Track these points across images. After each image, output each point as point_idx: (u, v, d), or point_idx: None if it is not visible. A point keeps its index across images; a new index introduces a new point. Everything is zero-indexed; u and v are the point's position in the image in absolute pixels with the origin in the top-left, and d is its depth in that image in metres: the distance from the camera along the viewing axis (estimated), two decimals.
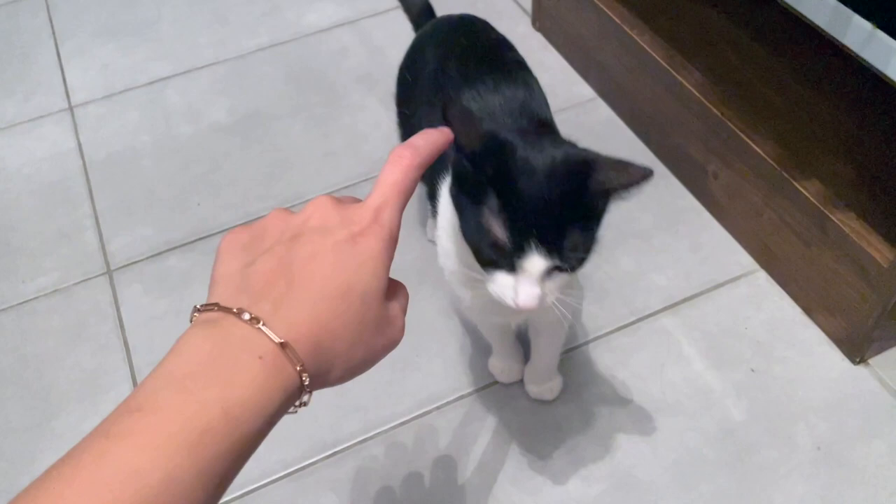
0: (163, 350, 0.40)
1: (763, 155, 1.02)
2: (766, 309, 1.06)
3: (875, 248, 0.89)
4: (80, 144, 1.39)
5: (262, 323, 0.40)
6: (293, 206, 1.26)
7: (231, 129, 1.39)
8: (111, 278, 1.17)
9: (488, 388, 1.01)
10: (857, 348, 0.98)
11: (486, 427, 0.97)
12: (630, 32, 1.21)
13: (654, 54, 1.17)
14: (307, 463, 0.96)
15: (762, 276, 1.10)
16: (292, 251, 0.43)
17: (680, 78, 1.13)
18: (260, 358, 0.39)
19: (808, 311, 1.04)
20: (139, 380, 0.52)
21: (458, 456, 0.95)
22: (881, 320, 0.92)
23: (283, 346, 0.39)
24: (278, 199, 1.26)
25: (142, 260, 1.20)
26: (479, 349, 1.04)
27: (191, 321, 0.42)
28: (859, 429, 0.94)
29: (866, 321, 0.94)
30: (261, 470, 0.95)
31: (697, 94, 1.10)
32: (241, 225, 0.47)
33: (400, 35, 1.17)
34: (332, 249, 0.43)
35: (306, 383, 0.41)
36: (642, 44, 1.19)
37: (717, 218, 1.16)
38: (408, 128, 0.98)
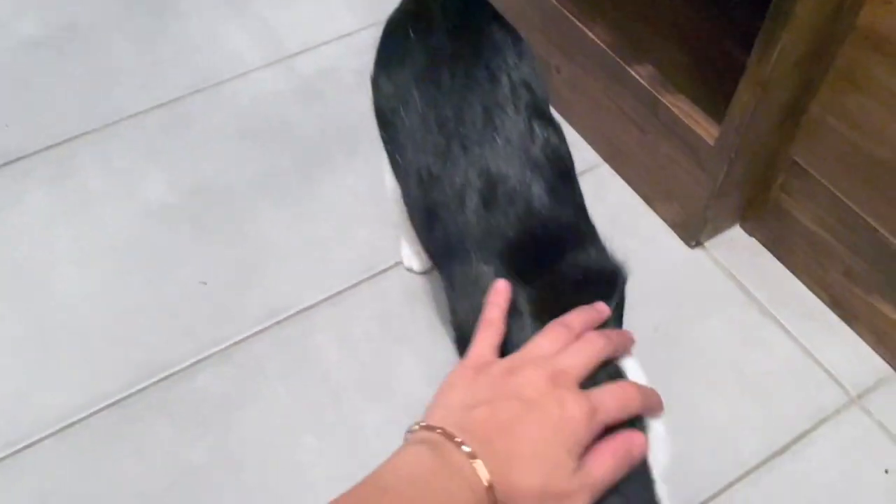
0: None
1: (600, 43, 1.00)
2: (609, 201, 1.06)
3: (702, 127, 0.89)
4: None
5: (478, 460, 0.44)
6: (117, 121, 1.15)
7: (44, 42, 1.26)
8: None
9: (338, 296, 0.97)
10: (692, 232, 0.99)
11: (329, 341, 0.94)
12: None
13: None
14: (135, 389, 0.90)
15: (605, 170, 1.10)
16: (521, 419, 0.46)
17: None
18: (471, 490, 0.43)
19: (647, 199, 1.04)
20: None
21: (298, 370, 0.91)
22: (712, 200, 0.93)
23: (489, 487, 0.43)
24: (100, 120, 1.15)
25: None
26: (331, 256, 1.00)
27: (406, 437, 0.48)
28: (696, 309, 0.95)
29: (699, 203, 0.95)
30: (83, 400, 0.88)
31: None
32: (471, 362, 0.52)
33: None
34: (553, 444, 0.46)
35: None
36: None
37: (563, 115, 1.14)
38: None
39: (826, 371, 0.89)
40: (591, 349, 0.52)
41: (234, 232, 1.04)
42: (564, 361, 0.50)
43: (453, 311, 0.66)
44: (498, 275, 0.59)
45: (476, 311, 0.61)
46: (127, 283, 0.99)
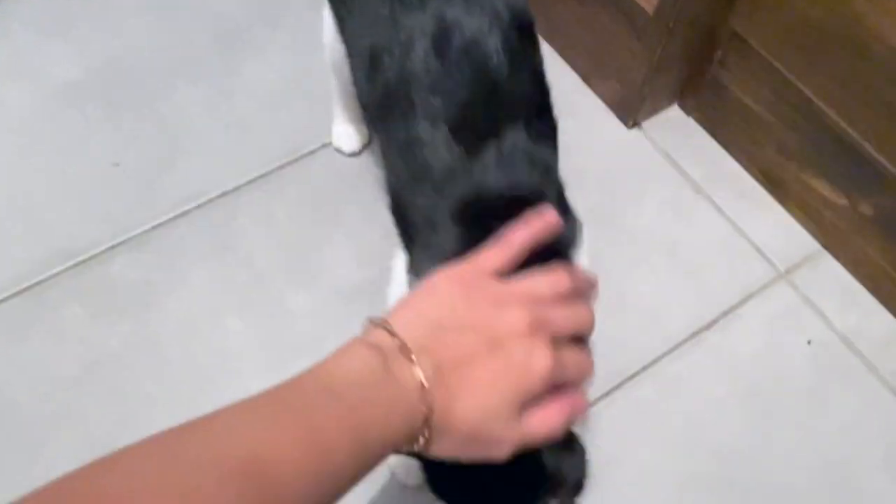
0: None
1: None
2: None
3: None
4: None
5: (427, 387, 0.41)
6: None
7: None
8: None
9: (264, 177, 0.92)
10: (630, 111, 0.97)
11: (256, 221, 0.89)
12: None
13: None
14: (47, 275, 0.85)
15: (546, 50, 1.04)
16: (483, 357, 0.44)
17: None
18: (410, 413, 0.41)
19: (585, 78, 1.01)
20: None
21: (220, 256, 0.87)
22: (650, 75, 0.90)
23: (428, 417, 0.41)
24: None
25: None
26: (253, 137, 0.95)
27: (364, 326, 0.45)
28: (631, 190, 0.94)
29: (637, 79, 0.92)
30: None
31: None
32: (465, 272, 0.48)
33: None
34: (503, 391, 0.44)
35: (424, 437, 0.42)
36: None
37: None
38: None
39: (756, 248, 0.90)
40: (584, 318, 0.50)
41: (148, 112, 0.97)
42: (553, 316, 0.47)
43: (388, 175, 0.63)
44: (442, 139, 0.55)
45: (415, 173, 0.57)
46: (32, 165, 0.92)
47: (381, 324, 0.44)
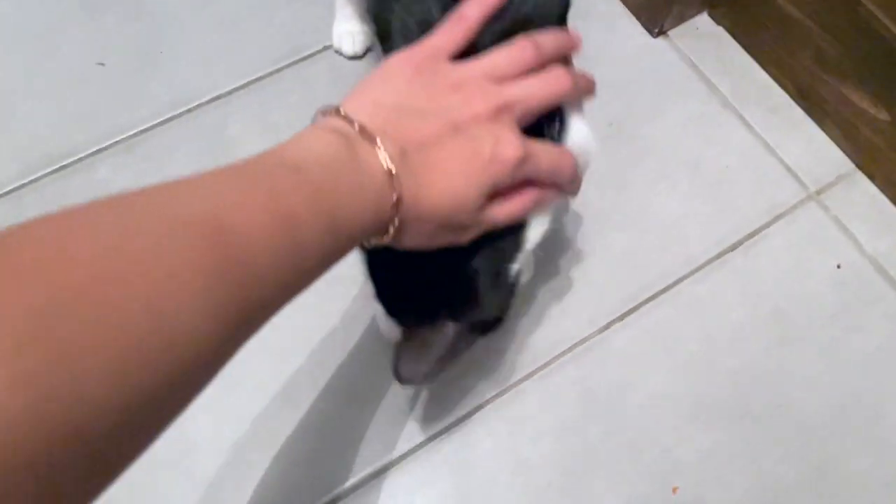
0: None
1: None
2: None
3: None
4: None
5: (395, 170, 0.39)
6: None
7: None
8: None
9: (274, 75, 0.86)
10: (656, 17, 0.89)
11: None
12: None
13: None
14: (28, 180, 0.79)
15: None
16: (447, 142, 0.41)
17: None
18: (377, 199, 0.39)
19: None
20: None
21: (211, 163, 0.81)
22: None
23: (398, 201, 0.39)
24: None
25: None
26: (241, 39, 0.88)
27: (316, 119, 0.41)
28: (654, 102, 0.87)
29: None
30: None
31: None
32: (418, 55, 0.44)
33: None
34: (470, 177, 0.42)
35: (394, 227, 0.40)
36: None
37: None
38: None
39: (785, 166, 0.84)
40: (554, 87, 0.46)
41: (134, 7, 0.90)
42: (518, 92, 0.43)
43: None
44: None
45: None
46: (8, 63, 0.85)
47: (335, 112, 0.41)
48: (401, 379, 0.55)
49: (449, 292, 0.51)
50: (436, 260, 0.46)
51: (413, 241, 0.42)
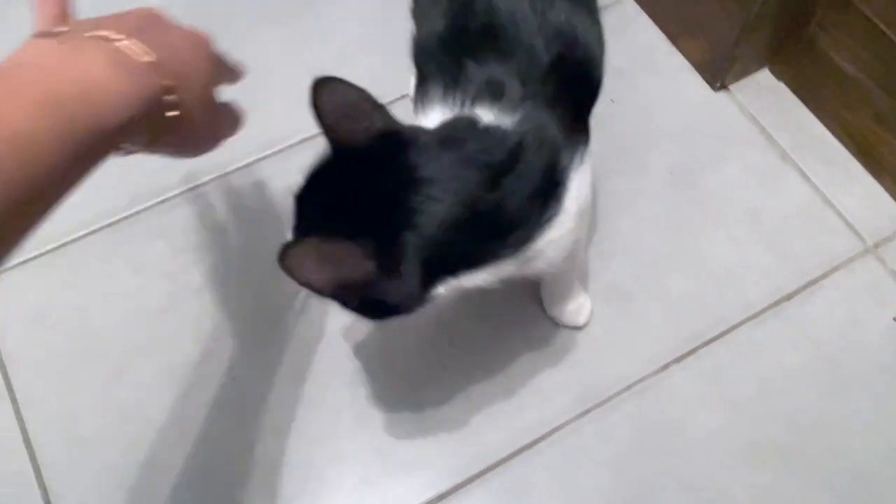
0: None
1: None
2: (630, 37, 0.99)
3: None
4: None
5: (132, 39, 0.43)
6: None
7: None
8: None
9: None
10: (718, 72, 0.93)
11: None
12: None
13: None
14: (133, 211, 0.87)
15: (629, 5, 1.02)
16: (181, 47, 0.49)
17: None
18: (121, 68, 0.42)
19: (672, 36, 0.98)
20: None
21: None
22: (743, 35, 0.87)
23: (153, 63, 0.44)
24: None
25: None
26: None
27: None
28: (714, 152, 0.91)
29: (729, 39, 0.88)
30: (79, 220, 0.86)
31: None
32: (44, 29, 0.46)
33: None
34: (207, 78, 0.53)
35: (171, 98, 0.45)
36: None
37: None
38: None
39: (843, 218, 0.87)
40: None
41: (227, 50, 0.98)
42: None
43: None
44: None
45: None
46: None
47: (53, 31, 0.44)
48: None
49: None
50: None
51: (172, 145, 0.51)
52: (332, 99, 0.54)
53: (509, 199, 0.54)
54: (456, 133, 0.55)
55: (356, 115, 0.54)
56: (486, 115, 0.57)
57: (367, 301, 0.55)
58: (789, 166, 0.90)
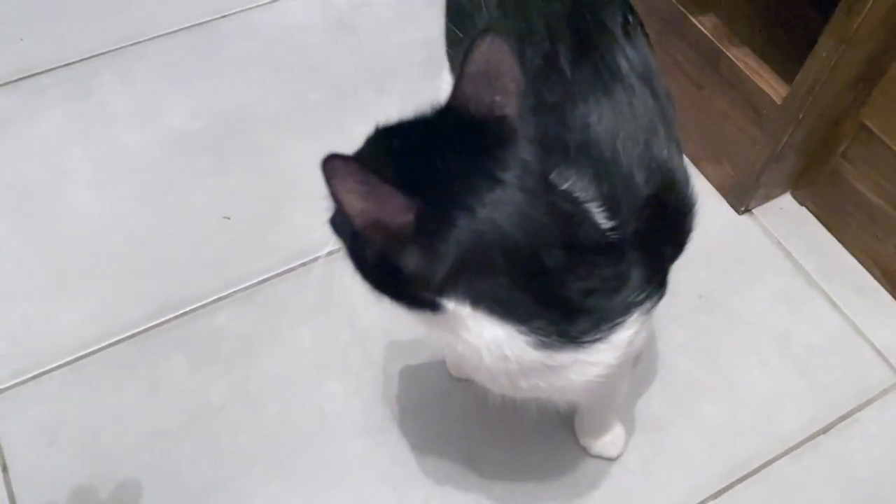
0: None
1: None
2: None
3: (769, 84, 0.84)
4: None
5: None
6: (141, 41, 1.09)
7: None
8: None
9: None
10: (742, 197, 0.94)
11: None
12: None
13: None
14: (153, 324, 0.85)
15: None
16: None
17: None
18: None
19: (695, 161, 0.99)
20: None
21: (324, 314, 0.86)
22: (770, 164, 0.88)
23: None
24: (123, 38, 1.09)
25: None
26: None
27: None
28: (741, 277, 0.91)
29: (754, 166, 0.90)
30: (97, 331, 0.84)
31: None
32: None
33: None
34: None
35: None
36: None
37: None
38: None
39: (875, 349, 0.86)
40: None
41: (257, 166, 0.98)
42: None
43: None
44: None
45: None
46: (144, 210, 0.94)
47: None
48: None
49: None
50: None
51: None
52: (487, 59, 0.48)
53: (570, 276, 0.49)
54: (561, 187, 0.52)
55: (497, 86, 0.49)
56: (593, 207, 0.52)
57: (384, 261, 0.49)
58: (816, 292, 0.90)
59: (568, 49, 0.60)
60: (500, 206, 0.47)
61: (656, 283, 0.56)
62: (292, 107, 1.04)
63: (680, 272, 0.91)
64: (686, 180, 0.60)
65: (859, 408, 0.82)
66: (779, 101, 0.82)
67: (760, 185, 0.92)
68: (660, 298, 0.56)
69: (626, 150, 0.56)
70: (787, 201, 0.97)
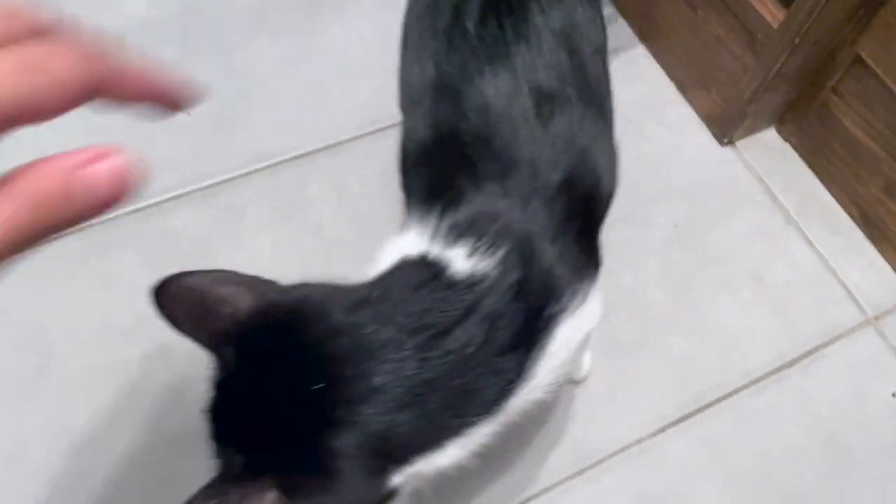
0: None
1: None
2: (638, 86, 0.97)
3: (766, 7, 0.80)
4: None
5: None
6: None
7: None
8: None
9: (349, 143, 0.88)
10: (727, 128, 0.92)
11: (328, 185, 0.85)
12: None
13: None
14: (103, 219, 0.80)
15: (640, 52, 1.00)
16: None
17: None
18: None
19: (682, 87, 0.96)
20: None
21: (287, 221, 0.83)
22: (759, 93, 0.85)
23: None
24: None
25: None
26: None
27: None
28: (719, 209, 0.89)
29: (743, 94, 0.86)
30: None
31: None
32: None
33: None
34: None
35: None
36: None
37: None
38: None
39: (845, 288, 0.85)
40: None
41: (224, 62, 0.92)
42: None
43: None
44: None
45: None
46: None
47: None
48: None
49: None
50: None
51: None
52: (177, 304, 0.46)
53: (462, 364, 0.45)
54: (398, 288, 0.47)
55: (217, 308, 0.45)
56: (460, 255, 0.48)
57: None
58: (793, 230, 0.88)
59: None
60: (354, 384, 0.42)
61: (588, 269, 0.53)
62: (267, 1, 0.98)
63: (657, 201, 0.89)
64: (603, 146, 0.56)
65: (825, 344, 0.81)
66: (775, 26, 0.79)
67: (747, 116, 0.89)
68: (592, 280, 0.53)
69: (529, 131, 0.51)
70: (771, 136, 0.95)
